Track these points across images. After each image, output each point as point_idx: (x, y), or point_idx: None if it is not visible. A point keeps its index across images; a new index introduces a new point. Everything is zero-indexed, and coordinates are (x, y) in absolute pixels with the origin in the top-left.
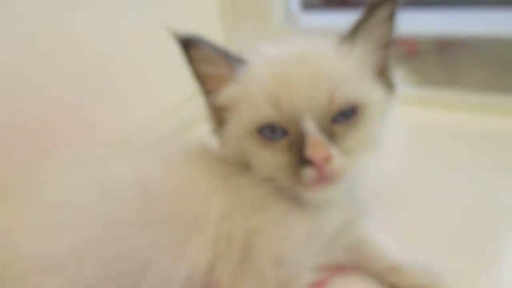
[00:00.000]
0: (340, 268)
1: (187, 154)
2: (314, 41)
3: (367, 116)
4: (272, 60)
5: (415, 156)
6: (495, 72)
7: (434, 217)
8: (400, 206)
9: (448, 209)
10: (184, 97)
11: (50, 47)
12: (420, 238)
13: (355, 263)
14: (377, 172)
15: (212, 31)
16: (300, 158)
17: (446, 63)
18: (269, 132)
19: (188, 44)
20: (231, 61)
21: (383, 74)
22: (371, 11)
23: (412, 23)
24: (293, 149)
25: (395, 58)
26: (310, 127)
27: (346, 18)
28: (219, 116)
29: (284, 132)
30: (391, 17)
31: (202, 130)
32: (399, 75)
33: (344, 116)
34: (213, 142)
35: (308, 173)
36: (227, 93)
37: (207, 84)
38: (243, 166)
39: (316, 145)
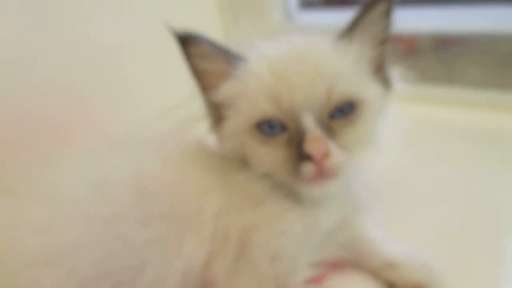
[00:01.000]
0: (337, 265)
1: (184, 151)
2: (312, 38)
3: (364, 112)
4: (271, 57)
5: (413, 153)
6: (494, 69)
7: (432, 214)
8: (398, 202)
9: (446, 206)
10: (182, 97)
11: (49, 46)
12: (417, 235)
13: (352, 260)
14: (374, 169)
15: (211, 29)
16: (299, 154)
17: (444, 60)
18: (268, 127)
19: (186, 41)
20: (229, 58)
21: (380, 71)
22: (367, 8)
23: (409, 20)
24: (292, 144)
25: (393, 55)
26: (309, 123)
27: (344, 17)
28: (217, 113)
29: (283, 128)
30: (387, 14)
31: (201, 129)
32: (396, 72)
33: (342, 113)
34: (211, 139)
35: (307, 168)
36: (226, 90)
37: (206, 81)
38: (241, 162)
39: (315, 140)
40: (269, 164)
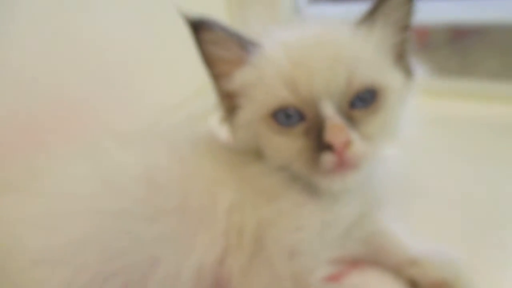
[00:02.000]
0: (356, 262)
1: (195, 144)
2: (330, 24)
3: (387, 101)
4: (288, 42)
5: (432, 146)
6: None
7: (452, 208)
8: (417, 196)
9: (467, 200)
10: (193, 90)
11: (55, 40)
12: (438, 230)
13: (372, 256)
14: (394, 162)
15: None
16: (318, 144)
17: (459, 52)
18: (284, 117)
19: (199, 26)
20: (244, 44)
21: (401, 59)
22: None
23: (422, 12)
24: (311, 134)
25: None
26: (329, 111)
27: (353, 10)
28: (230, 102)
29: (301, 117)
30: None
31: (212, 122)
32: (417, 61)
33: (363, 101)
34: (223, 133)
35: (328, 158)
36: (240, 77)
37: (219, 69)
38: (255, 155)
39: (336, 128)
40: (286, 155)
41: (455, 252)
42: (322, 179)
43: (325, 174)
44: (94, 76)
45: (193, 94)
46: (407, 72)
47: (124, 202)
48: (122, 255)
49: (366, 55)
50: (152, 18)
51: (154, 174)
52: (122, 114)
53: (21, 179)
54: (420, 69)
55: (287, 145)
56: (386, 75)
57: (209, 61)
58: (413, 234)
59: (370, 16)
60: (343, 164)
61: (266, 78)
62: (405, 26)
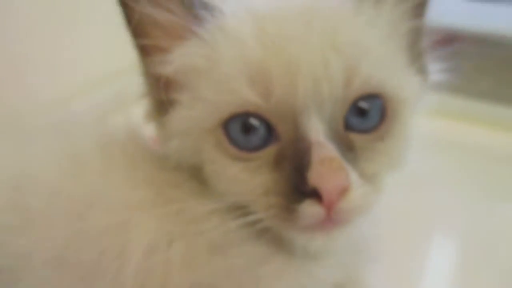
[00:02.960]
0: None
1: (104, 147)
2: None
3: (399, 120)
4: (260, 13)
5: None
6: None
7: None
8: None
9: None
10: (111, 70)
11: None
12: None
13: None
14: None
15: None
16: (297, 183)
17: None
18: (242, 131)
19: None
20: (192, 5)
21: (416, 56)
22: None
23: None
24: (285, 165)
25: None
26: (317, 131)
27: None
28: (162, 94)
29: (270, 135)
30: None
31: (136, 114)
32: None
33: (363, 120)
34: (148, 131)
35: (311, 210)
36: (181, 57)
37: (150, 40)
38: (194, 174)
39: (328, 166)
40: (242, 192)
41: None
42: (298, 234)
43: (303, 229)
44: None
45: (111, 74)
46: (422, 72)
47: None
48: None
49: (372, 43)
50: None
51: (31, 193)
52: (42, 83)
53: None
54: (437, 69)
55: (246, 180)
56: (400, 79)
57: (137, 26)
58: None
59: None
60: (332, 220)
61: (222, 64)
62: (420, 5)
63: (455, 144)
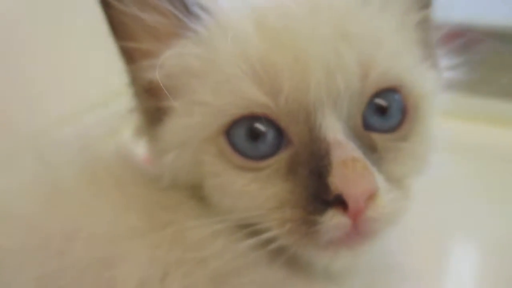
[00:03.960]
0: None
1: (89, 172)
2: None
3: (421, 117)
4: (262, 7)
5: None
6: None
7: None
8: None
9: None
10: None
11: None
12: None
13: None
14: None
15: None
16: (315, 191)
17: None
18: (249, 137)
19: None
20: (184, 2)
21: (428, 49)
22: None
23: None
24: (300, 172)
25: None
26: (336, 130)
27: None
28: (153, 103)
29: (281, 139)
30: None
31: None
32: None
33: (383, 118)
34: (140, 150)
35: (335, 221)
36: (173, 59)
37: (136, 42)
38: (192, 193)
39: (352, 167)
40: (254, 208)
41: None
42: (319, 252)
43: (325, 245)
44: None
45: (101, 99)
46: (434, 68)
47: None
48: None
49: (384, 34)
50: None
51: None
52: (23, 115)
53: None
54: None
55: (256, 192)
56: (417, 72)
57: (121, 27)
58: None
59: None
60: (359, 232)
61: (221, 63)
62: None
63: (473, 146)
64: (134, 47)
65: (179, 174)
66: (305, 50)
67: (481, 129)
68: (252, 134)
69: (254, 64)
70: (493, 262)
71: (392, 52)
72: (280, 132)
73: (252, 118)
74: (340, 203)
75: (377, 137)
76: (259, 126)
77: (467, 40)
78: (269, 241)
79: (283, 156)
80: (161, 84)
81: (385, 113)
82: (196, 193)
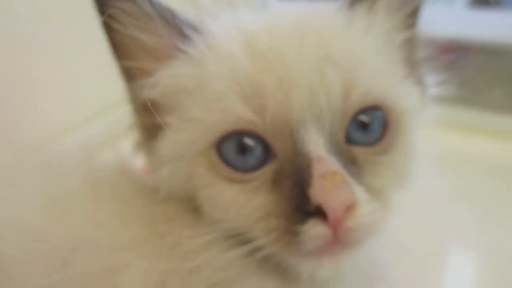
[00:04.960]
0: None
1: (92, 185)
2: (314, 5)
3: (402, 132)
4: (250, 30)
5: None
6: None
7: None
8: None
9: None
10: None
11: None
12: None
13: None
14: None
15: None
16: (298, 203)
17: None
18: (237, 152)
19: None
20: (178, 25)
21: (412, 67)
22: None
23: None
24: (284, 184)
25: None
26: (317, 145)
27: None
28: (150, 119)
29: (267, 154)
30: None
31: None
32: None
33: (365, 133)
34: (137, 161)
35: (315, 231)
36: (168, 78)
37: (135, 61)
38: (188, 205)
39: (331, 180)
40: (240, 218)
41: None
42: (301, 261)
43: (308, 254)
44: None
45: (99, 111)
46: (420, 84)
47: None
48: None
49: (368, 54)
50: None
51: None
52: (24, 124)
53: None
54: (435, 82)
55: (243, 202)
56: (399, 90)
57: (122, 48)
58: None
59: None
60: (340, 241)
61: (212, 82)
62: (415, 12)
63: (466, 157)
64: (133, 66)
65: (175, 186)
66: (290, 71)
67: (473, 141)
68: (241, 148)
69: (242, 84)
70: (488, 274)
71: (375, 72)
72: (266, 147)
73: (240, 133)
74: (320, 213)
75: (358, 151)
76: (248, 141)
77: (457, 55)
78: (257, 249)
79: (269, 169)
80: (157, 102)
81: (366, 128)
82: (190, 205)
